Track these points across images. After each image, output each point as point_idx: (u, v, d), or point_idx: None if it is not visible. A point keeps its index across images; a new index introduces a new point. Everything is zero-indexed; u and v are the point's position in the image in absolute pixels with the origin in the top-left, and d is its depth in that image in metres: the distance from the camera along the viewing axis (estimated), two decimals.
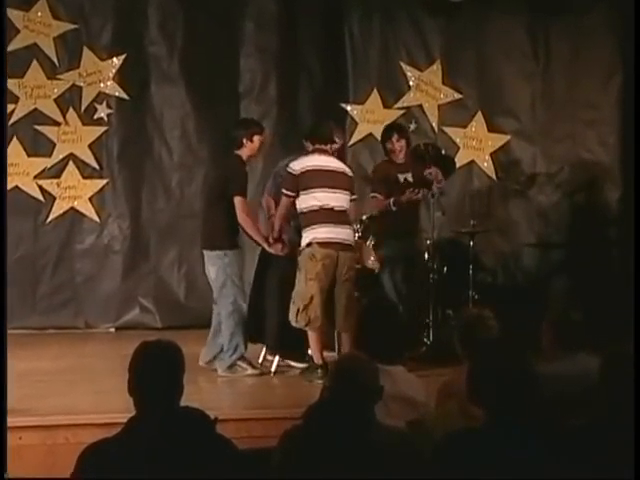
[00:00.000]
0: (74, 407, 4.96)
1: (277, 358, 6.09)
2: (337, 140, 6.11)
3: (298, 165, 5.88)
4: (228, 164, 6.07)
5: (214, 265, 5.96)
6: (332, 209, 5.81)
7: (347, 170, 6.02)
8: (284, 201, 5.87)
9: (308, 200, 5.80)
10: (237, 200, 5.87)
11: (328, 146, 5.97)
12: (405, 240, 6.58)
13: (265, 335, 6.25)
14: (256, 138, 6.03)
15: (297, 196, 5.82)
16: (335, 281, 5.83)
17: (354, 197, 6.03)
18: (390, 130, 6.71)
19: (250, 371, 5.99)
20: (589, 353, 3.65)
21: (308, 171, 5.83)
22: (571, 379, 3.56)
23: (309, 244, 5.77)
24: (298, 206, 5.84)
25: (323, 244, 5.77)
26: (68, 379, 5.71)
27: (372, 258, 6.87)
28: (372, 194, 6.69)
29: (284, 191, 5.88)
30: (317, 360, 5.85)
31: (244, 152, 6.04)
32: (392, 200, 6.52)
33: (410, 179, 6.57)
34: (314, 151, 5.96)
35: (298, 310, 5.77)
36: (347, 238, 5.89)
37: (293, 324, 5.83)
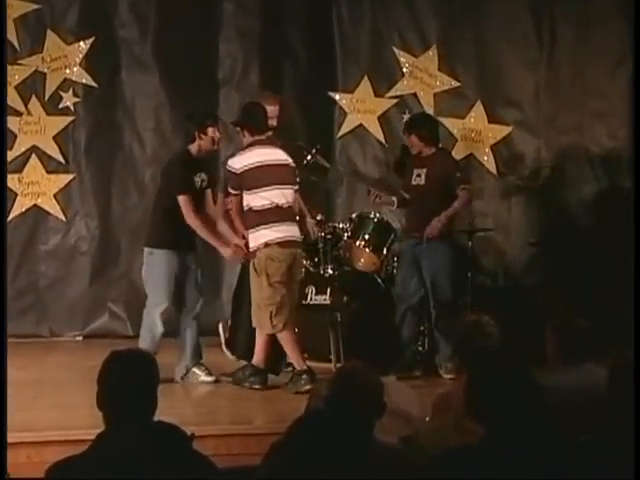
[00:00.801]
0: (37, 423, 4.96)
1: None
2: (272, 110, 6.15)
3: (239, 163, 5.91)
4: (170, 160, 6.13)
5: (144, 263, 6.12)
6: (282, 207, 5.90)
7: (290, 161, 6.07)
8: (234, 200, 5.93)
9: (256, 199, 5.87)
10: (180, 200, 5.95)
11: (264, 135, 6.00)
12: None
13: (240, 348, 6.33)
14: (210, 131, 6.03)
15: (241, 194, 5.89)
16: (295, 280, 5.96)
17: (296, 188, 6.09)
18: (405, 124, 6.78)
19: (203, 378, 6.05)
20: (596, 363, 3.67)
21: (251, 169, 5.88)
22: (576, 391, 3.58)
23: (267, 245, 5.84)
24: (245, 204, 5.91)
25: (283, 244, 5.87)
26: (31, 392, 5.70)
27: (362, 259, 6.89)
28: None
29: (231, 190, 5.94)
30: (299, 365, 5.89)
31: (194, 147, 6.06)
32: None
33: (422, 179, 6.56)
34: (253, 144, 5.96)
35: (271, 315, 5.81)
36: (299, 235, 6.04)
37: (267, 331, 5.86)
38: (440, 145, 6.65)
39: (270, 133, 6.11)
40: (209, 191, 6.15)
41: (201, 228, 5.94)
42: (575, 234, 7.89)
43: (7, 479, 3.64)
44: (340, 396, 3.00)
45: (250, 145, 5.96)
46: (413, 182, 6.57)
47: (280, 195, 5.91)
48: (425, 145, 6.49)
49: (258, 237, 5.87)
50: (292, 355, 5.93)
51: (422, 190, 6.51)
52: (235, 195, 5.93)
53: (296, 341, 5.94)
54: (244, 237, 5.94)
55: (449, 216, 6.38)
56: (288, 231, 5.92)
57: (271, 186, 5.88)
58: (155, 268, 6.04)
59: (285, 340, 5.91)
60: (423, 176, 6.52)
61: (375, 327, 4.11)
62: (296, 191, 6.08)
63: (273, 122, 6.24)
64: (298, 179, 6.15)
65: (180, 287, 6.11)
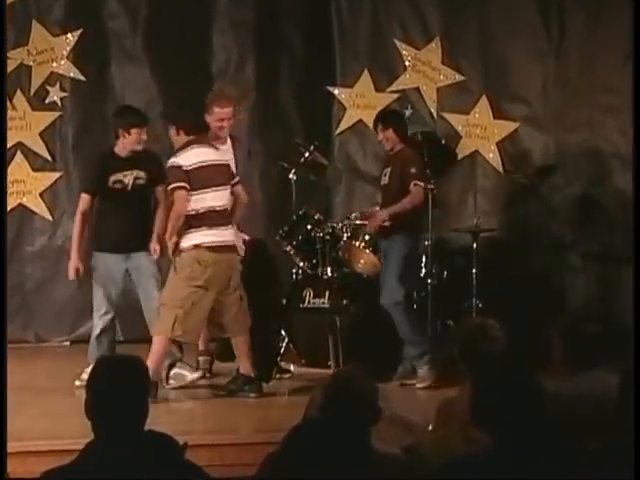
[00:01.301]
0: (23, 432, 4.95)
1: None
2: (224, 113, 6.22)
3: (185, 160, 5.92)
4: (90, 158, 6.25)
5: None
6: (217, 210, 5.95)
7: (227, 159, 6.15)
8: (181, 195, 5.87)
9: (191, 203, 5.89)
10: (81, 197, 6.13)
11: (202, 135, 6.06)
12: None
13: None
14: (134, 131, 6.07)
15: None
16: (225, 286, 5.97)
17: (236, 180, 6.13)
18: (376, 118, 6.75)
19: (190, 377, 6.13)
20: (606, 370, 3.67)
21: (195, 169, 5.91)
22: (585, 399, 3.58)
23: (196, 246, 5.88)
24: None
25: (214, 248, 5.90)
26: (16, 400, 5.69)
27: (362, 261, 6.89)
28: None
29: (177, 184, 5.87)
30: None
31: (118, 146, 6.12)
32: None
33: (387, 179, 6.59)
34: (192, 142, 5.98)
35: (176, 318, 5.83)
36: (233, 239, 6.06)
37: (164, 333, 5.89)
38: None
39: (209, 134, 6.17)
40: (160, 188, 6.18)
41: (76, 230, 6.11)
42: (587, 234, 7.88)
43: (7, 479, 3.70)
44: (334, 402, 3.01)
45: (188, 144, 5.97)
46: (382, 182, 6.64)
47: (217, 197, 5.96)
48: (399, 141, 6.51)
49: (189, 239, 5.90)
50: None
51: (385, 190, 6.58)
52: (183, 189, 5.88)
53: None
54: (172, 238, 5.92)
55: (392, 212, 6.35)
56: (221, 235, 5.94)
57: (209, 188, 5.93)
58: (95, 272, 6.14)
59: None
60: (387, 175, 6.56)
61: (376, 332, 4.14)
62: (235, 184, 6.11)
63: (224, 124, 6.27)
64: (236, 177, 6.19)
65: (128, 289, 6.22)
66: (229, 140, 6.42)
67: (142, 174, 6.13)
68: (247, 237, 6.40)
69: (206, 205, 5.90)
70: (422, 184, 6.41)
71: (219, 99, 6.41)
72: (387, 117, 6.75)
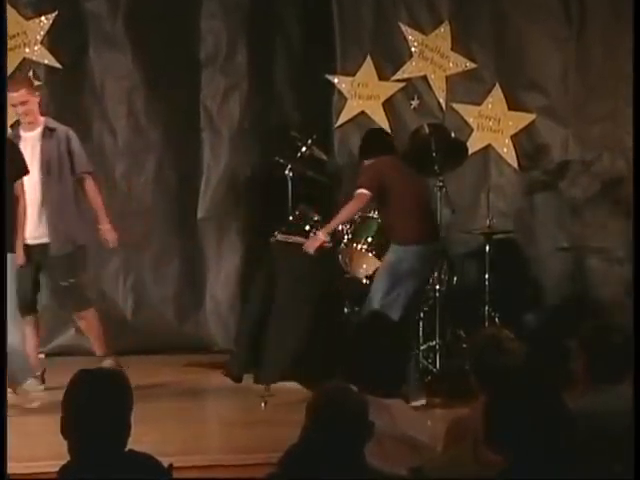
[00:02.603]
0: None
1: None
2: (13, 97, 6.57)
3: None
4: None
5: None
6: None
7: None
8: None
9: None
10: None
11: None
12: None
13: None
14: None
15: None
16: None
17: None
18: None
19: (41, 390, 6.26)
20: (632, 384, 3.67)
21: None
22: (610, 416, 3.58)
23: None
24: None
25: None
26: None
27: (364, 266, 6.90)
28: None
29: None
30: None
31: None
32: None
33: None
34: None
35: None
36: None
37: None
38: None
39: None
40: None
41: None
42: (611, 236, 7.88)
43: (7, 479, 3.75)
44: (319, 421, 3.01)
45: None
46: None
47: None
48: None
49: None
50: None
51: None
52: None
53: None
54: None
55: (329, 229, 6.45)
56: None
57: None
58: (9, 275, 6.22)
59: None
60: None
61: (374, 343, 4.09)
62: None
63: (18, 110, 6.60)
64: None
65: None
66: (41, 128, 6.66)
67: None
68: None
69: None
70: (365, 191, 6.40)
71: (10, 83, 6.79)
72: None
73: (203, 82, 8.02)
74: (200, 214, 8.07)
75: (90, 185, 6.75)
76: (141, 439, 3.13)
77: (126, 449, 2.95)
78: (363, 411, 3.06)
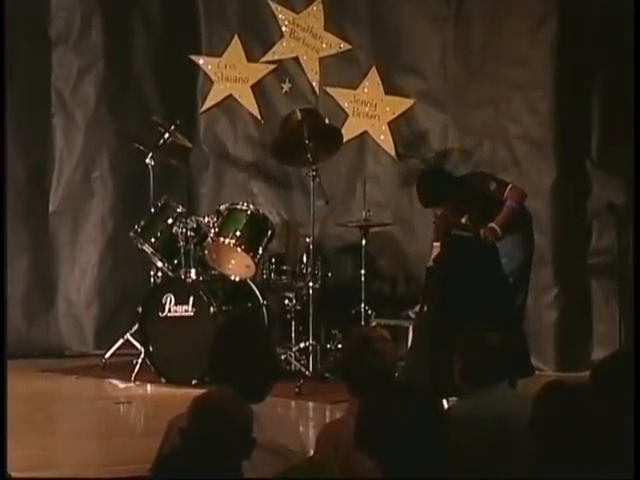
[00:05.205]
0: None
1: None
2: None
3: None
4: None
5: None
6: None
7: None
8: None
9: None
10: None
11: None
12: None
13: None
14: None
15: None
16: None
17: None
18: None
19: None
20: (508, 386, 3.75)
21: None
22: (489, 420, 3.65)
23: None
24: None
25: None
26: None
27: (232, 261, 6.90)
28: None
29: None
30: None
31: None
32: None
33: None
34: None
35: None
36: None
37: None
38: None
39: None
40: None
41: None
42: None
43: (8, 479, 3.80)
44: (198, 430, 3.00)
45: None
46: None
47: None
48: None
49: None
50: None
51: None
52: None
53: None
54: None
55: None
56: None
57: None
58: None
59: None
60: None
61: (246, 343, 4.08)
62: None
63: None
64: None
65: None
66: None
67: None
68: None
69: None
70: None
71: None
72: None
73: (54, 62, 7.91)
74: (52, 207, 7.94)
75: None
76: None
77: None
78: (247, 423, 3.07)
